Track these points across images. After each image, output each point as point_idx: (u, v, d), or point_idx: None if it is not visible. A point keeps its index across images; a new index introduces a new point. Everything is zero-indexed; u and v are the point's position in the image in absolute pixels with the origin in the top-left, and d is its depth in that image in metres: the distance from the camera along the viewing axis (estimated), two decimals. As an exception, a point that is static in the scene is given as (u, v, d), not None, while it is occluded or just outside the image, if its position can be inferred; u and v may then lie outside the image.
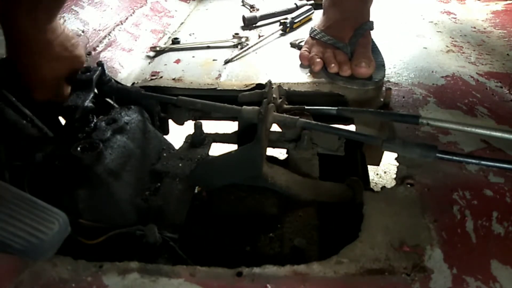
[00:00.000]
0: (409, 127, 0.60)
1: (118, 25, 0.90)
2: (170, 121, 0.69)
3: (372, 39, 0.80)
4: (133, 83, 0.78)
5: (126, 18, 0.94)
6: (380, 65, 0.76)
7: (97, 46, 0.81)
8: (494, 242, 0.43)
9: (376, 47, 0.81)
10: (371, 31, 0.79)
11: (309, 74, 0.79)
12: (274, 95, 0.64)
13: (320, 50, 0.79)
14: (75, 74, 0.62)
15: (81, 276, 0.40)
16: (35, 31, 0.56)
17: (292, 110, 0.64)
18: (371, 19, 0.80)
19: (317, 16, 1.03)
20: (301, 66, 0.82)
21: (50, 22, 0.57)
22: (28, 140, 0.57)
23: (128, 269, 0.41)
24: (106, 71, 0.65)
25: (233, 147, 0.58)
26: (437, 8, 1.13)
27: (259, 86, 0.74)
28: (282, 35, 0.99)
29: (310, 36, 0.84)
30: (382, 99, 0.68)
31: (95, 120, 0.57)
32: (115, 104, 0.64)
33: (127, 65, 0.83)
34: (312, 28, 0.84)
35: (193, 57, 0.89)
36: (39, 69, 0.58)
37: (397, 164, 0.54)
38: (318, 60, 0.77)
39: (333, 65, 0.74)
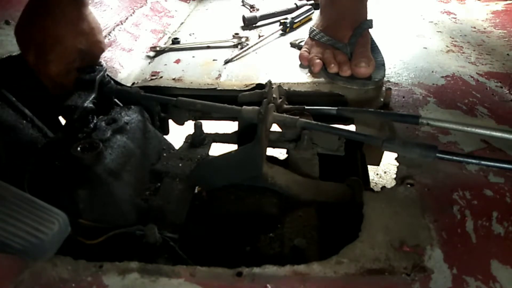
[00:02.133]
0: (409, 127, 0.60)
1: (118, 25, 0.90)
2: (170, 121, 0.69)
3: (372, 38, 0.80)
4: (133, 83, 0.78)
5: (126, 18, 0.94)
6: (380, 65, 0.76)
7: (97, 46, 0.81)
8: (494, 242, 0.43)
9: (376, 46, 0.81)
10: (370, 30, 0.79)
11: (309, 74, 0.79)
12: (274, 95, 0.64)
13: (320, 50, 0.79)
14: (93, 59, 0.64)
15: (81, 276, 0.40)
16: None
17: (292, 110, 0.64)
18: (370, 18, 0.80)
19: (317, 16, 1.03)
20: (301, 66, 0.82)
21: None
22: (28, 140, 0.57)
23: (128, 269, 0.40)
24: (106, 72, 0.65)
25: (233, 147, 0.58)
26: (437, 8, 1.13)
27: (259, 86, 0.74)
28: (282, 35, 0.99)
29: (310, 36, 0.84)
30: (382, 99, 0.67)
31: (95, 120, 0.57)
32: (119, 103, 0.65)
33: (127, 65, 0.83)
34: (311, 28, 0.84)
35: (193, 57, 0.89)
36: (64, 39, 0.59)
37: (397, 164, 0.54)
38: (318, 61, 0.77)
39: (332, 65, 0.74)
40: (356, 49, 0.75)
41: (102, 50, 0.65)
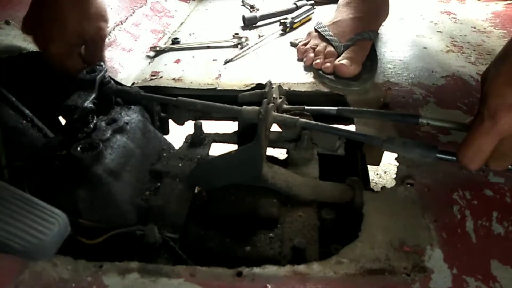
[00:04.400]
0: (409, 127, 0.60)
1: (118, 25, 0.90)
2: (170, 121, 0.69)
3: (374, 49, 0.80)
4: (133, 83, 0.78)
5: (126, 18, 0.94)
6: (372, 69, 0.76)
7: (97, 46, 0.81)
8: (494, 242, 0.43)
9: (376, 55, 0.81)
10: (372, 42, 0.80)
11: (309, 74, 0.79)
12: (274, 95, 0.64)
13: (316, 43, 0.80)
14: (95, 47, 0.64)
15: (81, 276, 0.40)
16: None
17: (292, 110, 0.64)
18: (377, 32, 0.80)
19: (317, 16, 1.03)
20: (298, 60, 0.82)
21: None
22: (28, 140, 0.57)
23: (128, 269, 0.41)
24: (106, 72, 0.65)
25: (233, 147, 0.58)
26: (437, 8, 1.13)
27: (259, 86, 0.74)
28: (282, 35, 0.99)
29: (314, 28, 0.85)
30: (382, 99, 0.68)
31: (95, 120, 0.57)
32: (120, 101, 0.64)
33: (127, 65, 0.83)
34: (318, 21, 0.85)
35: (193, 57, 0.89)
36: (67, 20, 0.59)
37: (397, 164, 0.54)
38: (311, 55, 0.78)
39: (318, 61, 0.75)
40: (347, 50, 0.76)
41: (102, 38, 0.64)
